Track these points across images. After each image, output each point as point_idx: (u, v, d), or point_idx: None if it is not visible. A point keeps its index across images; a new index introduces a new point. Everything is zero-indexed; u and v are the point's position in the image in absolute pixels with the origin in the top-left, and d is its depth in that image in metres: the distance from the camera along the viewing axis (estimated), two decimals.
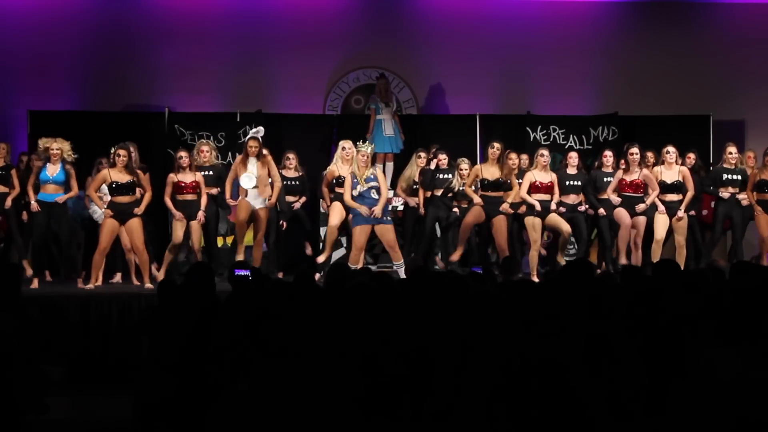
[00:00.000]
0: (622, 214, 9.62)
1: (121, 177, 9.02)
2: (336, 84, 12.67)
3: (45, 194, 9.21)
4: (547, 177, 9.77)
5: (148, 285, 9.02)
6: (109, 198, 9.15)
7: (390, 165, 11.60)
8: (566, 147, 11.93)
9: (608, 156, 10.05)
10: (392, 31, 12.75)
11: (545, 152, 9.90)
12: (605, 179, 9.93)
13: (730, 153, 10.11)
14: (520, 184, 9.84)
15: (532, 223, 9.69)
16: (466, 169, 10.02)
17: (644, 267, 8.60)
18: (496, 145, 9.79)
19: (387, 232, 9.41)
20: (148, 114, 11.95)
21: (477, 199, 9.65)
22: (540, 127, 12.00)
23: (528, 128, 11.98)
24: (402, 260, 9.40)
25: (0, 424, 4.55)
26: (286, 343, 3.36)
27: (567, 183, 9.89)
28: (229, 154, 11.47)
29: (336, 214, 9.71)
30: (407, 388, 2.88)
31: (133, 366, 5.68)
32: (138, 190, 9.15)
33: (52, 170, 9.20)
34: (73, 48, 12.33)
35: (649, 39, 12.87)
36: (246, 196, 9.43)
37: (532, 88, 12.68)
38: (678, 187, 9.68)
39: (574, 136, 11.96)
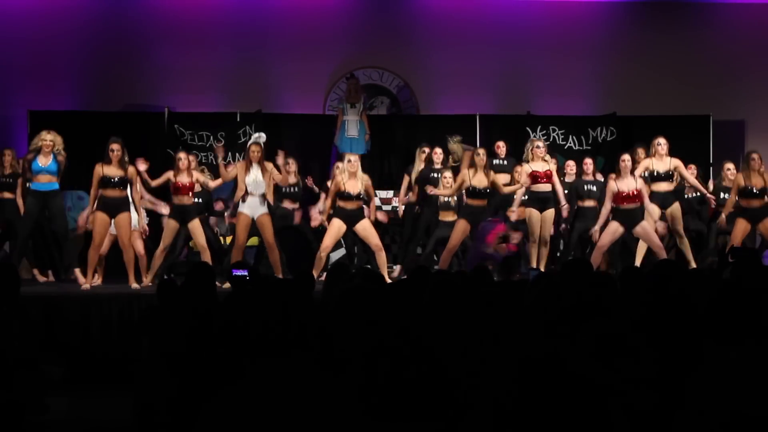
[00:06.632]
0: (611, 233, 9.40)
1: (113, 172, 8.98)
2: (336, 84, 12.67)
3: (38, 184, 9.12)
4: (544, 166, 9.66)
5: (134, 285, 9.02)
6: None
7: None
8: (565, 147, 11.96)
9: (588, 163, 10.25)
10: (392, 31, 12.75)
11: (541, 144, 9.84)
12: (585, 187, 10.12)
13: (728, 170, 10.07)
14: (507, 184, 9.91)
15: (529, 214, 9.62)
16: (450, 177, 9.80)
17: (644, 266, 8.59)
18: (481, 151, 9.61)
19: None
20: (148, 114, 11.96)
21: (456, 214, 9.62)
22: (540, 127, 12.02)
23: (528, 128, 12.00)
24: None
25: (0, 424, 4.55)
26: (285, 343, 3.36)
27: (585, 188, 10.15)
28: (229, 154, 11.47)
29: (332, 233, 9.43)
30: (412, 388, 2.89)
31: (133, 366, 5.68)
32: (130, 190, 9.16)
33: (44, 161, 9.12)
34: (73, 48, 12.33)
35: (648, 39, 12.87)
36: (243, 201, 9.37)
37: (531, 87, 12.68)
38: (671, 176, 9.61)
39: (573, 137, 11.99)
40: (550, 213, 9.64)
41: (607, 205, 9.38)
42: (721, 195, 10.08)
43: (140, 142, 11.52)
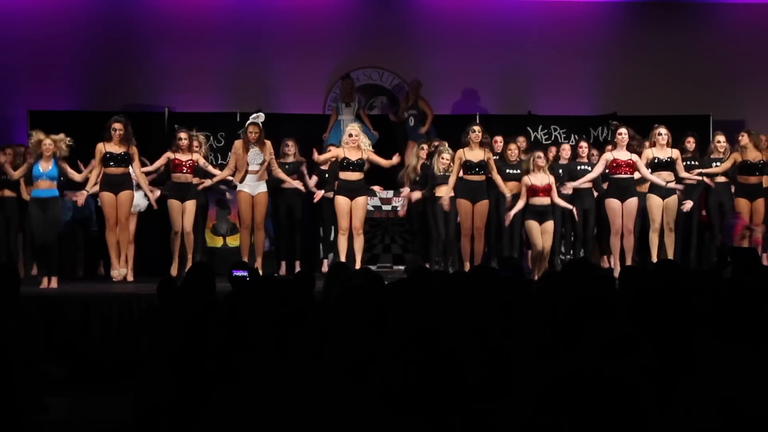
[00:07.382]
0: (613, 211, 9.48)
1: (115, 149, 9.03)
2: (336, 84, 12.66)
3: (38, 191, 9.11)
4: (544, 179, 9.58)
5: (120, 271, 9.05)
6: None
7: None
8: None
9: (583, 147, 10.44)
10: (392, 31, 12.75)
11: (542, 155, 9.73)
12: (579, 168, 10.22)
13: (719, 141, 10.22)
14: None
15: (528, 227, 9.58)
16: (447, 159, 9.79)
17: (643, 266, 8.59)
18: (477, 128, 9.65)
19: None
20: (148, 114, 11.95)
21: (446, 198, 9.53)
22: (541, 126, 12.02)
23: (528, 128, 12.00)
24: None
25: (0, 424, 4.55)
26: (285, 343, 3.36)
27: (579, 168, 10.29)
28: (229, 154, 11.47)
29: (343, 213, 9.44)
30: (414, 388, 2.89)
31: (133, 366, 5.68)
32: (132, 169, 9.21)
33: (45, 166, 9.10)
34: (73, 48, 12.34)
35: (649, 39, 12.87)
36: (241, 182, 9.45)
37: (532, 87, 12.69)
38: (671, 165, 9.60)
39: (575, 136, 11.98)
40: (550, 225, 9.52)
41: (596, 171, 9.66)
42: (713, 165, 10.22)
43: (140, 142, 11.52)
